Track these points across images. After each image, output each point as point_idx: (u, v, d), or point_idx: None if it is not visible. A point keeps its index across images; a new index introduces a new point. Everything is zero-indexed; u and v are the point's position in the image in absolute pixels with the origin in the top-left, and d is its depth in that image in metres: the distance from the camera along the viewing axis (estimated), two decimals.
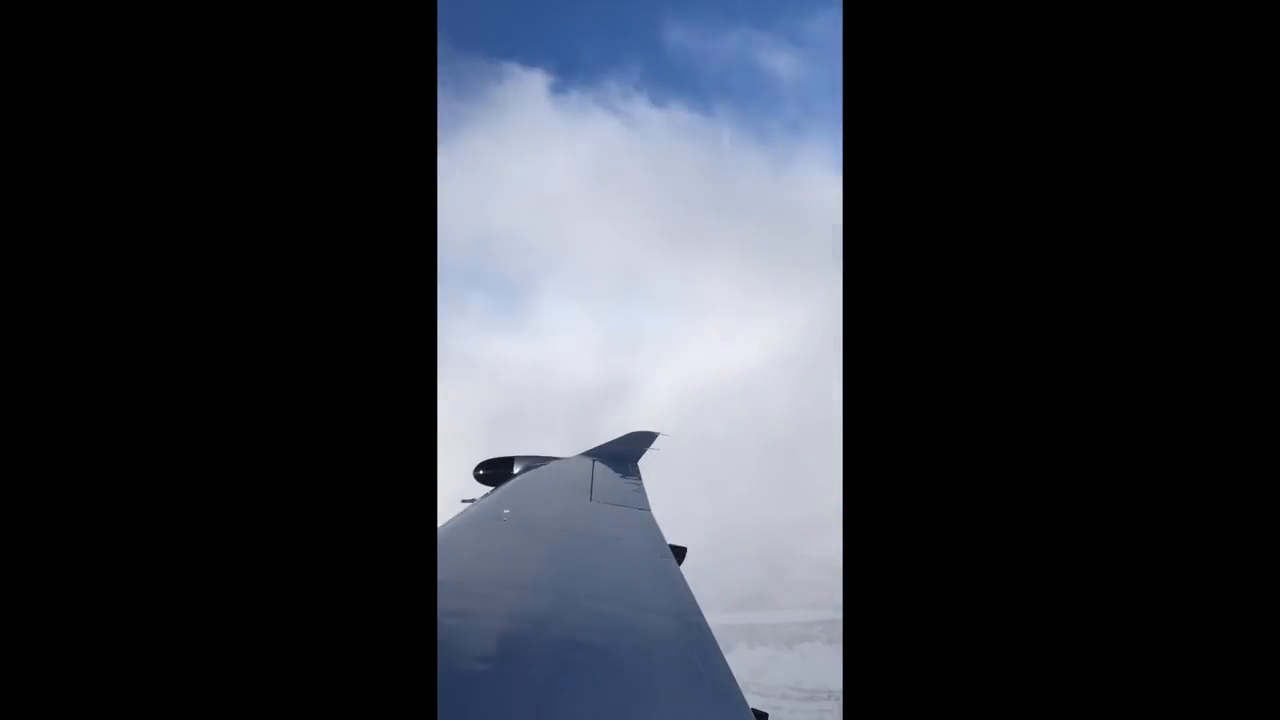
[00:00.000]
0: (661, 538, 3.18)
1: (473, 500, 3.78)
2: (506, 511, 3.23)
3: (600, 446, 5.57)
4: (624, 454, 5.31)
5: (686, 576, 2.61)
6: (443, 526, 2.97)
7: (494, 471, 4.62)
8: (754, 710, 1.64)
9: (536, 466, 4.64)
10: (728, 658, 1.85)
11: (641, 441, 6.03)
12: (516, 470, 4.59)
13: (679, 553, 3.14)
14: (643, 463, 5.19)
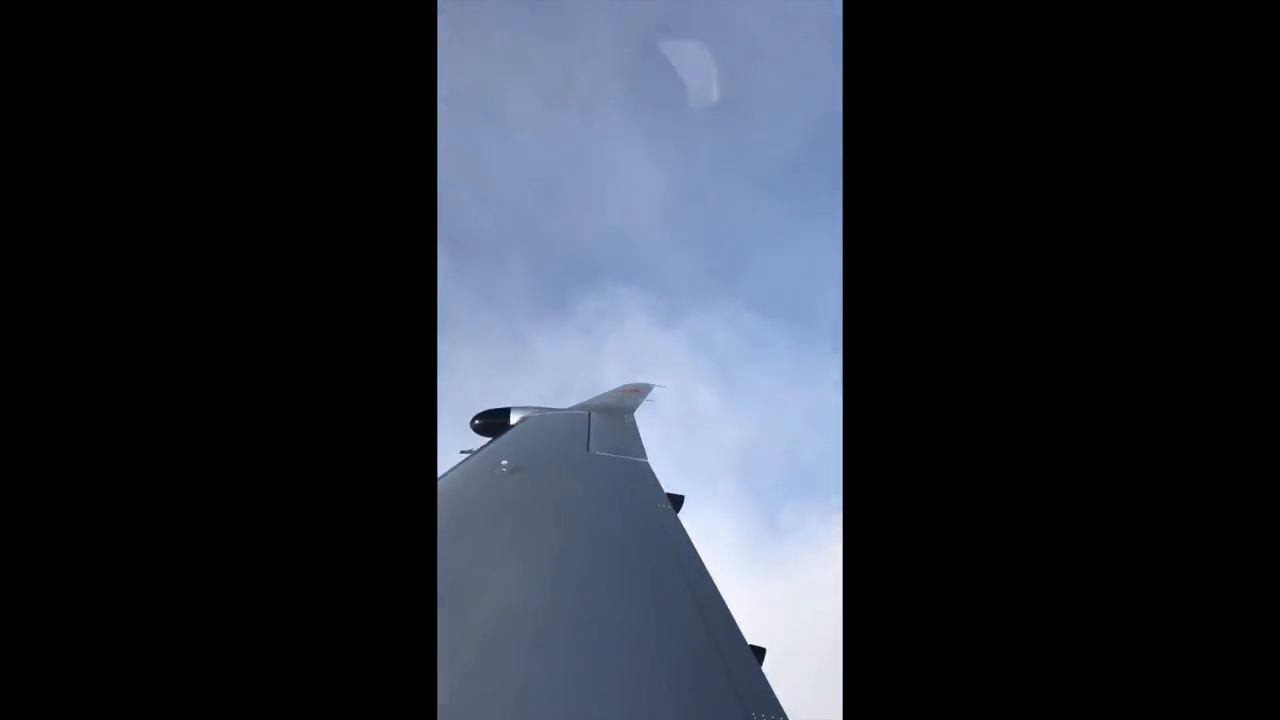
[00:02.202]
0: (659, 486, 3.25)
1: (470, 451, 3.85)
2: (505, 462, 3.28)
3: (597, 397, 5.64)
4: (620, 405, 5.39)
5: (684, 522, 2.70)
6: (442, 476, 3.04)
7: (491, 421, 4.69)
8: (751, 646, 1.73)
9: (534, 417, 4.71)
10: None
11: (637, 393, 6.10)
12: (514, 420, 4.67)
13: (676, 501, 3.22)
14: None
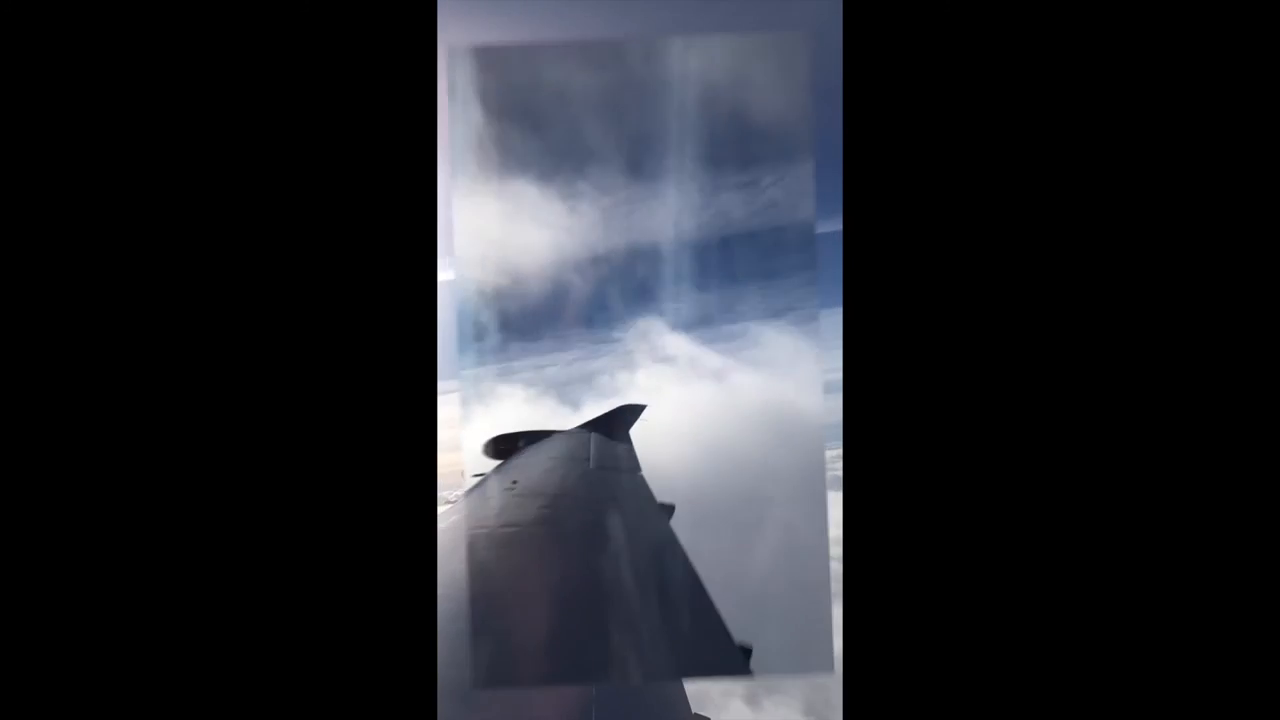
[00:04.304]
0: (652, 496, 3.46)
1: (483, 475, 4.01)
2: (515, 481, 3.46)
3: (595, 419, 5.88)
4: (617, 424, 5.63)
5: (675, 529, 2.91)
6: (461, 497, 3.21)
7: (501, 447, 4.88)
8: (739, 645, 1.87)
9: (540, 441, 4.91)
10: None
11: (631, 414, 6.36)
12: (521, 445, 4.86)
13: (668, 509, 3.44)
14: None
